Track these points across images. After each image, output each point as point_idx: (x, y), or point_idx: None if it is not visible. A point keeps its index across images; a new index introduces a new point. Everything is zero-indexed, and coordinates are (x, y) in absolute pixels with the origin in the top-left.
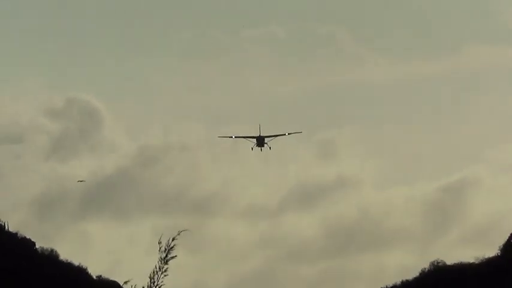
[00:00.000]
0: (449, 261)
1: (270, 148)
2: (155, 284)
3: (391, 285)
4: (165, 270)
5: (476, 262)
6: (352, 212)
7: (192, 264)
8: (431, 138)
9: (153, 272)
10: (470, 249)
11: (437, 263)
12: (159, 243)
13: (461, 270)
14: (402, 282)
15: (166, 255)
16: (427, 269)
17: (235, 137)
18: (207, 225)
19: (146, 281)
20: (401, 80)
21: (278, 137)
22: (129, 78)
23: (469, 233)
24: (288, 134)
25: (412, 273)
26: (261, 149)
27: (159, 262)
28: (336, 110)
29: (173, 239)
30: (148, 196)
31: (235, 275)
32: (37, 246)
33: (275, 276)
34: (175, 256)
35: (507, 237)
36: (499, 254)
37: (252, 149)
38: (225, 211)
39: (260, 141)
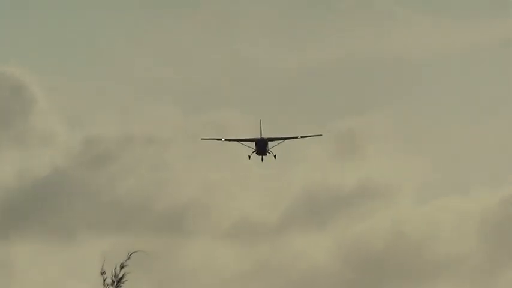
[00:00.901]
0: None
1: (274, 157)
2: None
3: None
4: None
5: None
6: (382, 233)
7: None
8: (494, 132)
9: None
10: None
11: None
12: (102, 273)
13: None
14: None
15: None
16: None
17: (225, 139)
18: (178, 247)
19: None
20: (451, 52)
21: (287, 140)
22: (71, 43)
23: None
24: (302, 137)
25: None
26: (262, 158)
27: None
28: (363, 92)
29: (122, 267)
30: (96, 207)
31: None
32: None
33: None
34: None
35: None
36: None
37: (249, 157)
38: (205, 229)
39: (261, 146)
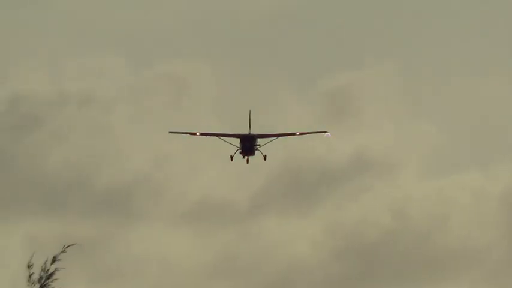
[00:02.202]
0: None
1: (264, 158)
2: None
3: None
4: None
5: None
6: (382, 217)
7: None
8: None
9: None
10: None
11: None
12: (29, 266)
13: None
14: None
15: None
16: None
17: (200, 134)
18: (122, 234)
19: None
20: None
21: (281, 137)
22: None
23: None
24: (300, 134)
25: None
26: (248, 160)
27: None
28: (358, 42)
29: (53, 261)
30: (22, 183)
31: None
32: None
33: None
34: None
35: None
36: None
37: (231, 158)
38: (157, 213)
39: (247, 144)
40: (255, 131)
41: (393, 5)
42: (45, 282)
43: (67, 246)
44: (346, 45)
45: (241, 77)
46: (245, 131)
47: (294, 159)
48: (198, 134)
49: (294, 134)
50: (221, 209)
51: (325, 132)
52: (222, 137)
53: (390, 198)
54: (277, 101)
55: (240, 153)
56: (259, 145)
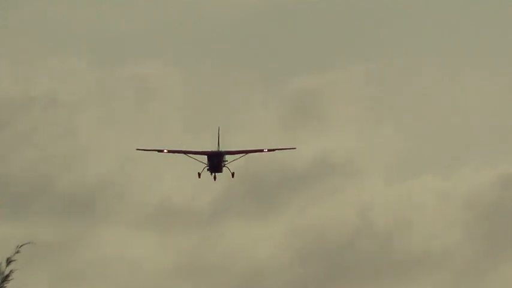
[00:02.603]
0: None
1: (232, 175)
2: None
3: None
4: None
5: None
6: (348, 219)
7: None
8: (487, 96)
9: None
10: None
11: None
12: None
13: None
14: None
15: None
16: None
17: (168, 151)
18: (83, 238)
19: None
20: None
21: (249, 154)
22: None
23: None
24: (268, 150)
25: None
26: (215, 177)
27: None
28: (325, 43)
29: (8, 262)
30: None
31: None
32: None
33: None
34: None
35: None
36: None
37: (198, 175)
38: (118, 215)
39: (215, 161)
40: (223, 147)
41: (357, 10)
42: (1, 285)
43: (21, 246)
44: (312, 49)
45: (208, 77)
46: (213, 142)
47: (258, 162)
48: (165, 151)
49: (262, 150)
50: (184, 212)
51: (294, 148)
52: (189, 154)
53: (354, 202)
54: (243, 103)
55: (208, 170)
56: (226, 161)
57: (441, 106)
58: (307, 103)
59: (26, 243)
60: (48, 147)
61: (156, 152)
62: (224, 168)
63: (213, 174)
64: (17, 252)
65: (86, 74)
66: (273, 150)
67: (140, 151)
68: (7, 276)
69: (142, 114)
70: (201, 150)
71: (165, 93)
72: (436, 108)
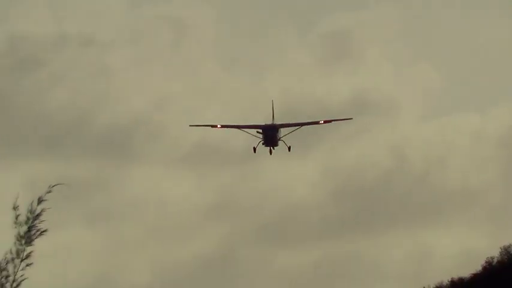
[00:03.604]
0: None
1: (289, 149)
2: (9, 278)
3: (433, 286)
4: (28, 257)
5: None
6: (379, 158)
7: (80, 246)
8: None
9: (5, 259)
10: None
11: None
12: (15, 208)
13: None
14: (452, 281)
15: (29, 230)
16: (495, 260)
17: (221, 126)
18: (119, 176)
19: None
20: None
21: (305, 126)
22: None
23: None
24: (324, 122)
25: (470, 266)
26: (271, 151)
27: (17, 242)
28: None
29: (40, 201)
30: (19, 122)
31: (160, 267)
32: None
33: (234, 267)
34: (45, 231)
35: None
36: None
37: (254, 149)
38: (155, 154)
39: (270, 135)
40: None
41: None
42: (33, 223)
43: (53, 186)
44: None
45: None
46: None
47: (294, 100)
48: (218, 126)
49: (317, 122)
50: (221, 150)
51: (351, 118)
52: (243, 129)
53: (389, 140)
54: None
55: (263, 144)
56: (282, 138)
57: (478, 45)
58: (342, 43)
59: (58, 184)
60: (82, 86)
61: (210, 127)
62: (280, 142)
63: (270, 148)
64: (49, 192)
65: (119, 13)
66: (329, 121)
67: (193, 126)
68: (38, 215)
69: (176, 54)
70: (254, 123)
71: (199, 31)
72: (473, 47)
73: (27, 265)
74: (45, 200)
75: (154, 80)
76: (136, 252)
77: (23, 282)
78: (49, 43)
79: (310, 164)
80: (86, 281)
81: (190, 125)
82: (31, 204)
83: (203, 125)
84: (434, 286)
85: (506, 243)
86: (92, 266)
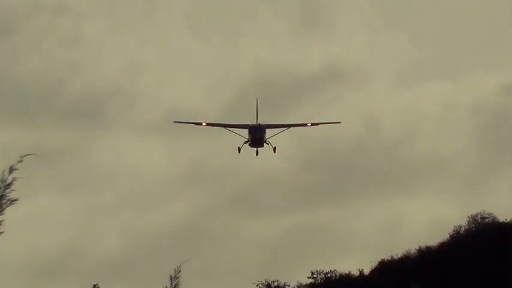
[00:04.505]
0: (504, 216)
1: (274, 150)
2: None
3: (400, 255)
4: None
5: None
6: (349, 127)
7: (52, 215)
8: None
9: None
10: None
11: (482, 218)
12: None
13: None
14: (420, 250)
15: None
16: (463, 228)
17: (206, 124)
18: (91, 143)
19: None
20: None
21: (292, 128)
22: None
23: None
24: (311, 124)
25: (438, 235)
26: (257, 152)
27: None
28: None
29: (11, 171)
30: None
31: (131, 235)
32: None
33: (209, 236)
34: (16, 201)
35: None
36: None
37: (239, 150)
38: (127, 120)
39: (256, 135)
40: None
41: None
42: (3, 193)
43: (24, 156)
44: None
45: None
46: (252, 117)
47: (266, 70)
48: (204, 124)
49: (305, 124)
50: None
51: (339, 122)
52: (229, 128)
53: (361, 108)
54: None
55: (249, 144)
56: (267, 141)
57: (450, 14)
58: (315, 11)
59: (28, 154)
60: (55, 54)
61: (194, 124)
62: (265, 143)
63: (256, 148)
64: (20, 161)
65: None
66: (317, 124)
67: (178, 123)
68: (9, 184)
69: (146, 16)
70: (241, 123)
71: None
72: (445, 16)
73: None
74: (16, 170)
75: (127, 48)
76: (107, 220)
77: None
78: (22, 11)
79: (283, 132)
80: (56, 249)
81: (174, 121)
82: (2, 173)
83: (188, 122)
84: (402, 255)
85: (474, 212)
86: (63, 234)
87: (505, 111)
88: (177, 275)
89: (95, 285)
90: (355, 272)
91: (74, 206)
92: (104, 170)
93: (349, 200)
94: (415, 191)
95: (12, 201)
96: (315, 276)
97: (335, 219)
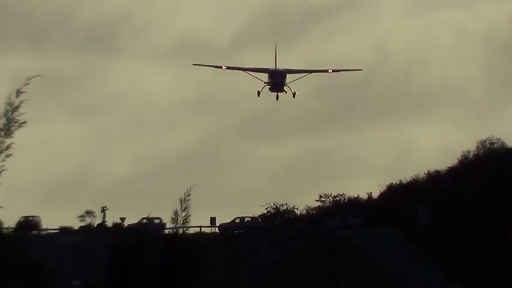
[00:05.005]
0: None
1: (294, 95)
2: None
3: (409, 179)
4: (7, 148)
5: None
6: (362, 53)
7: (60, 138)
8: None
9: None
10: None
11: (491, 143)
12: None
13: None
14: (429, 174)
15: (8, 122)
16: (471, 153)
17: (226, 67)
18: (102, 69)
19: None
20: None
21: (313, 73)
22: None
23: None
24: (333, 71)
25: (447, 160)
26: (277, 96)
27: None
28: None
29: (18, 94)
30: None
31: (141, 160)
32: None
33: (219, 160)
34: (24, 123)
35: None
36: None
37: (258, 93)
38: (138, 47)
39: (277, 79)
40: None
41: None
42: (12, 116)
43: (31, 78)
44: None
45: None
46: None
47: None
48: (223, 67)
49: (326, 70)
50: (203, 46)
51: (360, 69)
52: (248, 72)
53: (371, 36)
54: None
55: (269, 89)
56: (288, 84)
57: None
58: None
59: (35, 76)
60: None
61: (214, 67)
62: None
63: (276, 93)
64: (27, 84)
65: None
66: (338, 71)
67: (197, 66)
68: (17, 107)
69: None
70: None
71: None
72: None
73: (6, 156)
74: (23, 92)
75: None
76: (118, 145)
77: (2, 173)
78: None
79: (293, 59)
80: (66, 172)
81: (193, 64)
82: (9, 96)
83: (207, 65)
84: (410, 178)
85: (482, 137)
86: (72, 157)
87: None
88: (187, 198)
89: (103, 207)
90: (364, 196)
91: (84, 130)
92: (114, 96)
93: (359, 126)
94: (425, 118)
95: (21, 123)
96: (323, 199)
97: (344, 143)
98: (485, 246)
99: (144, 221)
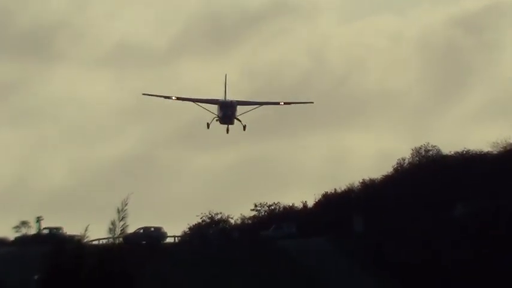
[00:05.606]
0: (447, 148)
1: (244, 128)
2: None
3: (344, 187)
4: None
5: (495, 151)
6: (298, 59)
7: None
8: None
9: None
10: (488, 129)
11: (426, 150)
12: None
13: (467, 163)
14: (363, 182)
15: None
16: (406, 161)
17: (176, 98)
18: (39, 75)
19: None
20: None
21: (263, 106)
22: None
23: (491, 100)
24: (284, 103)
25: (382, 168)
26: (228, 129)
27: None
28: None
29: None
30: None
31: (78, 167)
32: None
33: (155, 169)
34: None
35: None
36: None
37: (207, 125)
38: (74, 54)
39: (227, 111)
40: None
41: None
42: None
43: None
44: None
45: None
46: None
47: (214, 2)
48: (173, 98)
49: (278, 103)
50: (140, 51)
51: (312, 102)
52: (198, 103)
53: (308, 41)
54: None
55: (219, 121)
56: (238, 118)
57: None
58: None
59: None
60: None
61: (163, 98)
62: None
63: (226, 125)
64: None
65: None
66: (289, 103)
67: (147, 96)
68: None
69: None
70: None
71: None
72: None
73: None
74: None
75: None
76: (54, 153)
77: None
78: None
79: (230, 64)
80: (0, 181)
81: (143, 94)
82: None
83: (157, 95)
84: (345, 187)
85: (417, 144)
86: (8, 166)
87: (451, 44)
88: (124, 208)
89: (38, 217)
90: (299, 205)
91: (19, 138)
92: (51, 102)
93: (293, 132)
94: (360, 125)
95: None
96: (258, 208)
97: (279, 152)
98: (416, 251)
99: (141, 231)
